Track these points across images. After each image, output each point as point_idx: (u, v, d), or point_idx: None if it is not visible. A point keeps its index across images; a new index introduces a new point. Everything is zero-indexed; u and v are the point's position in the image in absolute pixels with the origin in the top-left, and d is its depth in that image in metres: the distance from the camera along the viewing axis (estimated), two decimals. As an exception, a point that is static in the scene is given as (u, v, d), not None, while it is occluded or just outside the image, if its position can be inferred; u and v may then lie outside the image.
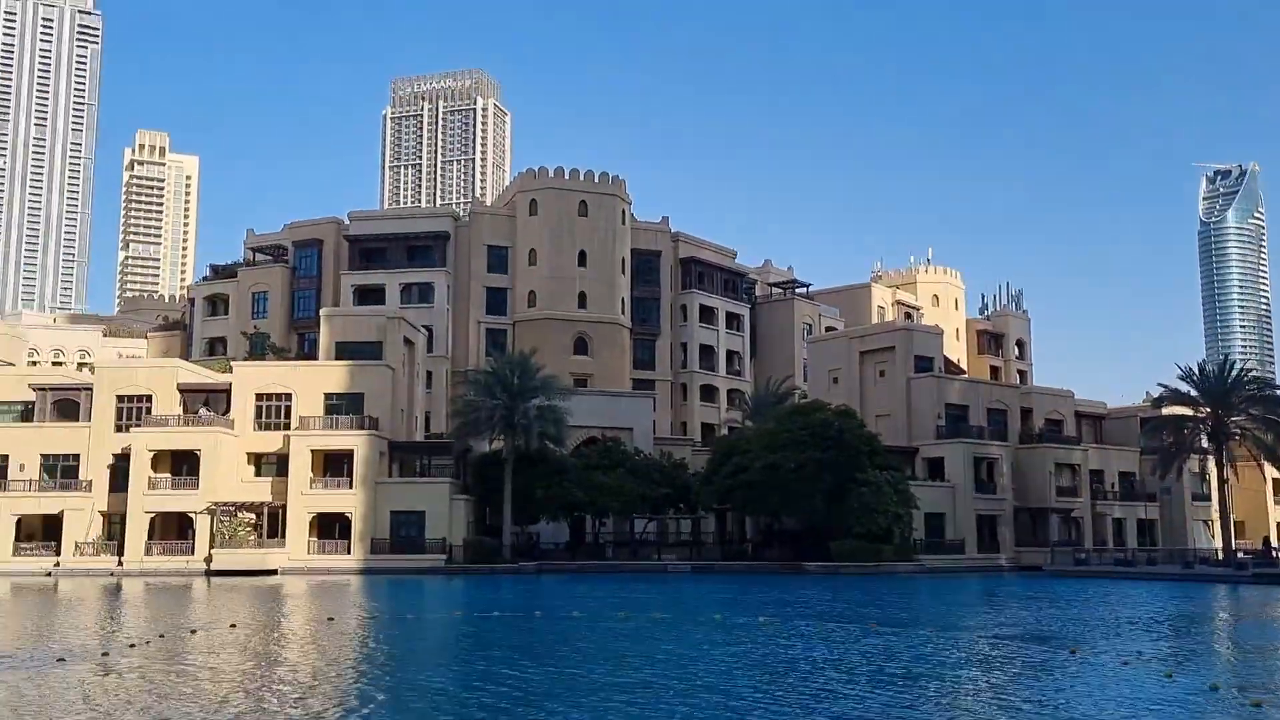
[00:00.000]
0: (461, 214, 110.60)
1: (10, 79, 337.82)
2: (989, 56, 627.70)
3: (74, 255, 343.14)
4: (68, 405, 72.48)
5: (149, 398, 70.85)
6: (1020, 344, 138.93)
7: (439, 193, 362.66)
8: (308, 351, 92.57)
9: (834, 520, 69.86)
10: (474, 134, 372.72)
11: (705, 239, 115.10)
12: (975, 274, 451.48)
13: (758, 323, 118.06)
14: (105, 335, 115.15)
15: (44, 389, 73.06)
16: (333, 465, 70.06)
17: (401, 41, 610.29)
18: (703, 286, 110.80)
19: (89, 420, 70.56)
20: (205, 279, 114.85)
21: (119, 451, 68.94)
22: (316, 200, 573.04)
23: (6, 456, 70.03)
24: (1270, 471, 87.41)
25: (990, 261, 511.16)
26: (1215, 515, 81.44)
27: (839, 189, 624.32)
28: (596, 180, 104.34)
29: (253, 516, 67.77)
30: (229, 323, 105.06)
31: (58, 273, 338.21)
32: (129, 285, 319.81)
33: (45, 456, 70.17)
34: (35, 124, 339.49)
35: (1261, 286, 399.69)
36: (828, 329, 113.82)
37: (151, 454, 68.12)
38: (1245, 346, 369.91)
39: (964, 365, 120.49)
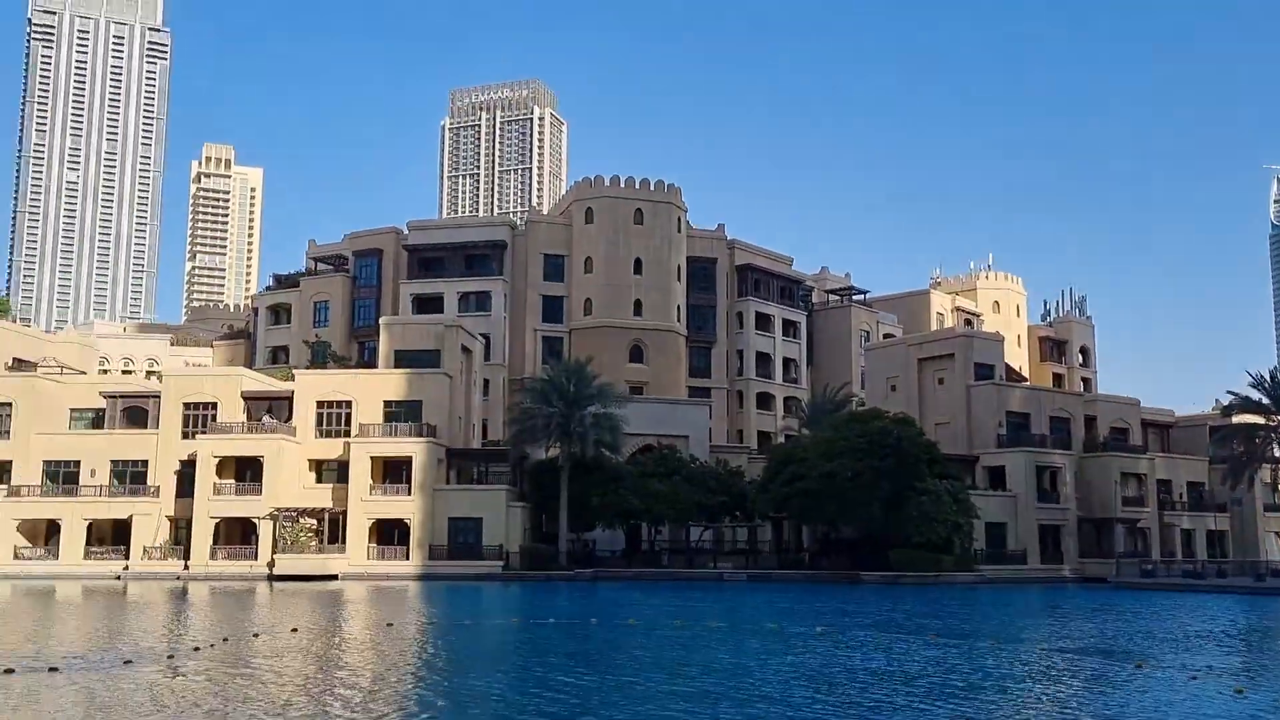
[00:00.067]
0: (518, 223, 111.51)
1: (83, 95, 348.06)
2: (1050, 59, 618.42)
3: (143, 266, 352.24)
4: (137, 413, 74.35)
5: (214, 405, 72.41)
6: (1084, 351, 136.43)
7: (496, 202, 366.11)
8: (368, 360, 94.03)
9: (892, 529, 69.14)
10: (531, 143, 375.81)
11: (761, 246, 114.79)
12: (1037, 280, 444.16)
13: (814, 330, 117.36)
14: (173, 344, 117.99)
15: (114, 397, 75.06)
16: (392, 472, 70.96)
17: (460, 53, 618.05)
18: (759, 294, 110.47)
19: (157, 427, 72.31)
20: (268, 289, 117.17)
21: (185, 458, 70.52)
22: (376, 210, 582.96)
23: (78, 462, 71.99)
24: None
25: (1053, 267, 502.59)
26: (1289, 526, 79.14)
27: (898, 195, 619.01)
28: (652, 188, 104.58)
29: (314, 522, 68.85)
30: (291, 331, 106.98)
31: (128, 283, 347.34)
32: (195, 295, 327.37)
33: (115, 462, 72.02)
34: (107, 138, 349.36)
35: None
36: (886, 336, 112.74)
37: (216, 460, 69.58)
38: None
39: (1026, 373, 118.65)
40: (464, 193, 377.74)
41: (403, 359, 76.26)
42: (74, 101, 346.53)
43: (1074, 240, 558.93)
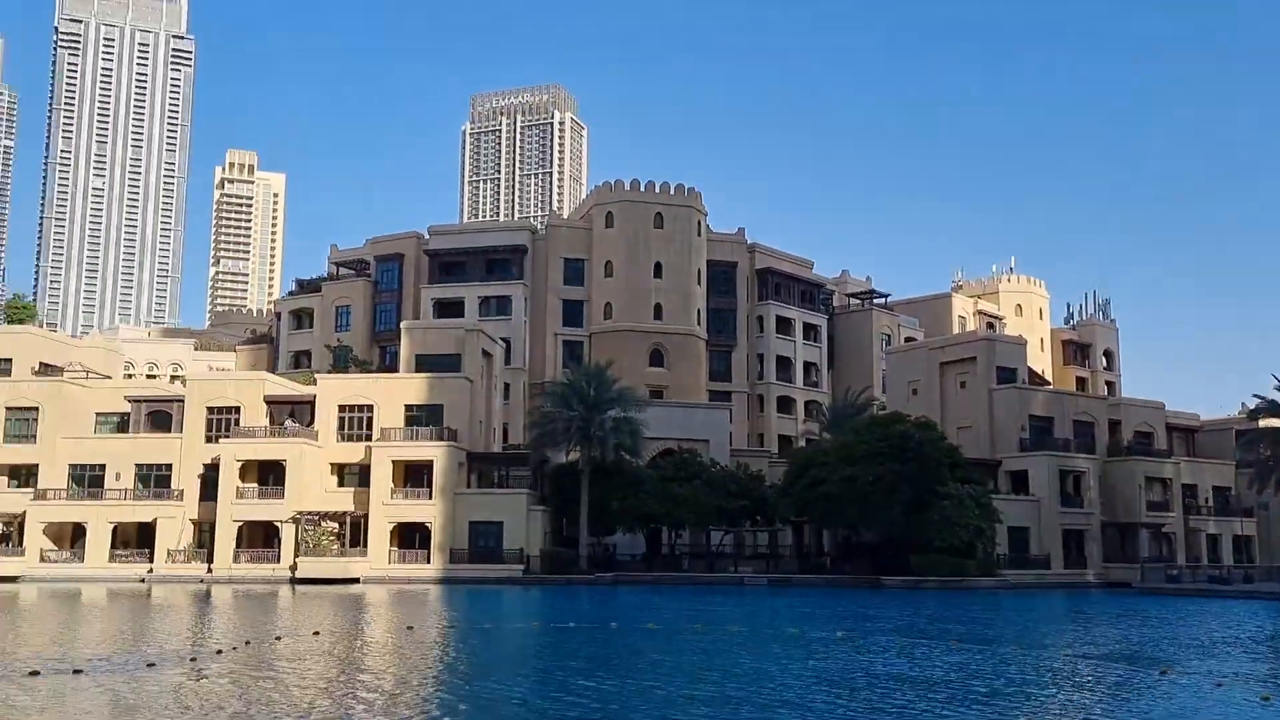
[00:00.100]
0: (539, 227, 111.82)
1: (109, 102, 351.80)
2: (1075, 58, 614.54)
3: (168, 271, 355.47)
4: (161, 417, 74.97)
5: (237, 409, 72.91)
6: (1108, 354, 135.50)
7: (517, 206, 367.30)
8: (389, 364, 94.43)
9: (913, 534, 68.83)
10: (551, 148, 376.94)
11: (782, 249, 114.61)
12: (1060, 283, 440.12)
13: (835, 333, 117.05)
14: (196, 349, 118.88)
15: (139, 401, 75.74)
16: (413, 476, 71.22)
17: (481, 59, 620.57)
18: (779, 297, 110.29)
19: (181, 431, 72.87)
20: (291, 293, 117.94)
21: (209, 461, 71.03)
22: (398, 215, 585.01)
23: (104, 466, 72.64)
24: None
25: (1076, 270, 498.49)
26: (1317, 532, 78.22)
27: (919, 198, 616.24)
28: (672, 192, 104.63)
29: (336, 526, 69.18)
30: (313, 336, 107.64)
31: (152, 288, 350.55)
32: (219, 299, 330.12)
33: (140, 466, 72.64)
34: (132, 145, 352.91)
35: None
36: (907, 340, 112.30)
37: (239, 464, 70.05)
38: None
39: (1049, 376, 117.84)
40: (485, 197, 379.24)
41: (424, 363, 76.56)
42: (99, 108, 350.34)
43: (1098, 243, 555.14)
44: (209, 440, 71.93)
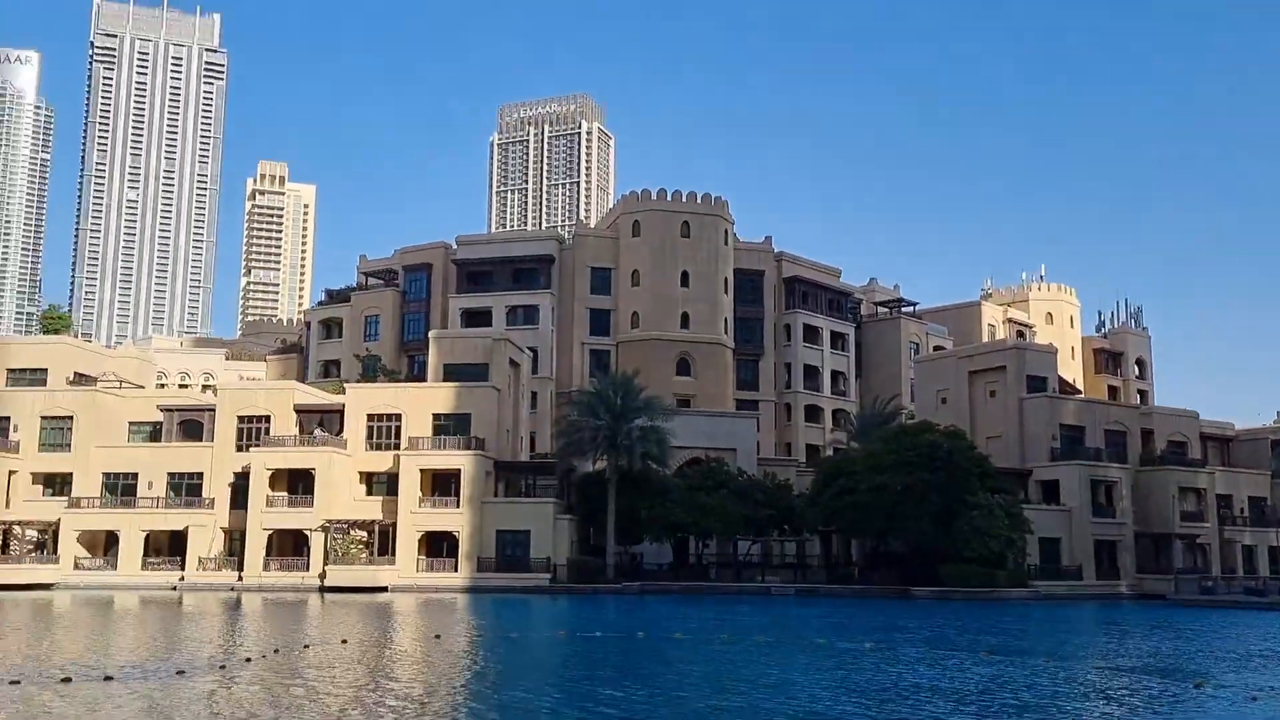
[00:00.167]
0: (566, 237, 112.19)
1: (143, 116, 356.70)
2: (1103, 65, 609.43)
3: (200, 282, 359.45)
4: (192, 426, 75.73)
5: (267, 418, 73.50)
6: (1140, 363, 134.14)
7: (544, 216, 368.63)
8: (417, 373, 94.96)
9: (943, 544, 68.27)
10: (578, 158, 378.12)
11: (809, 258, 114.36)
12: (1091, 291, 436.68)
13: (863, 342, 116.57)
14: (227, 358, 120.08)
15: (171, 410, 76.55)
16: (440, 484, 71.49)
17: (508, 69, 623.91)
18: (806, 306, 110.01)
19: (212, 440, 73.56)
20: (320, 303, 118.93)
21: (239, 470, 71.62)
22: (426, 225, 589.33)
23: (136, 475, 73.43)
24: None
25: (1108, 278, 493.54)
26: (1356, 543, 76.85)
27: (947, 206, 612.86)
28: (699, 201, 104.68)
29: (364, 534, 69.51)
30: (342, 345, 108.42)
31: (185, 299, 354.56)
32: (250, 309, 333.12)
33: (172, 475, 73.35)
34: (165, 158, 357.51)
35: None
36: (936, 348, 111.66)
37: (269, 473, 70.57)
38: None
39: (1080, 385, 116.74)
40: (512, 207, 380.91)
41: (451, 372, 76.90)
42: (134, 122, 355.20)
43: (1130, 250, 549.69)
44: (239, 449, 72.55)
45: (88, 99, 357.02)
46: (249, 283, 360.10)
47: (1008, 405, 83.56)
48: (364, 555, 68.68)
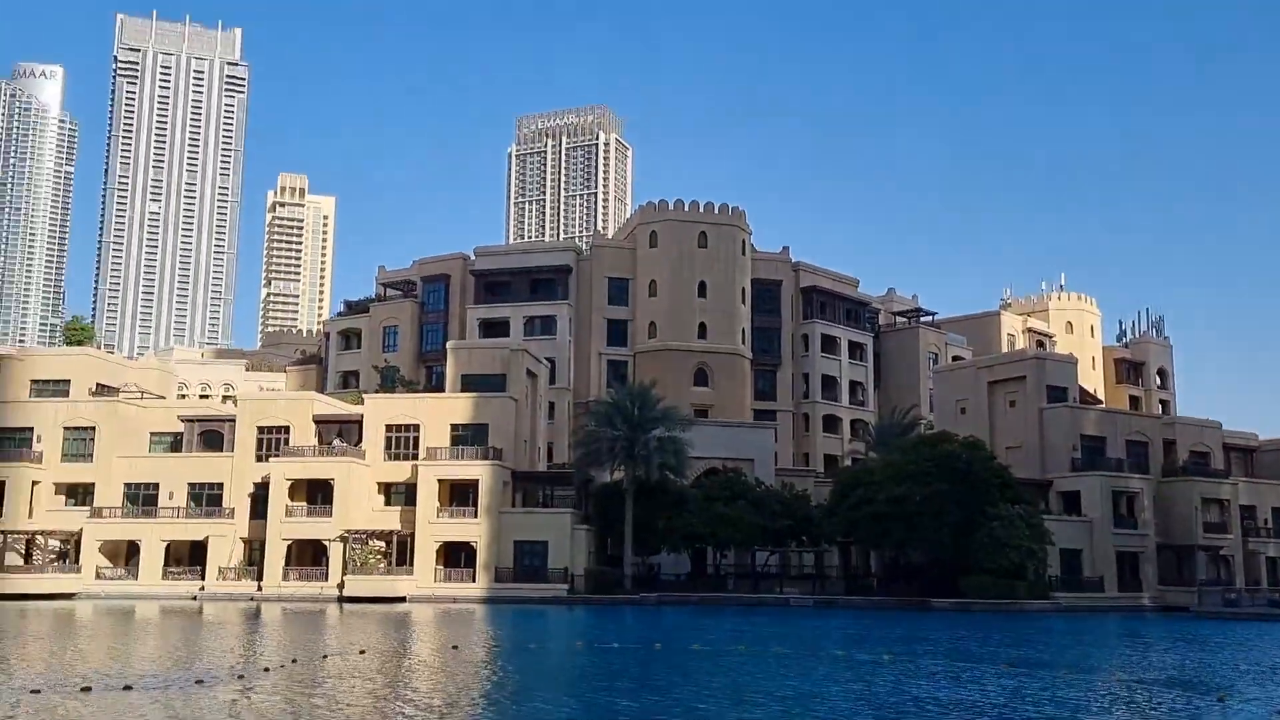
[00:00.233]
0: (583, 248, 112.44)
1: (165, 129, 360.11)
2: (1123, 71, 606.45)
3: (220, 293, 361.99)
4: (213, 436, 76.19)
5: (287, 429, 73.87)
6: (1162, 372, 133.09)
7: (562, 227, 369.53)
8: (435, 384, 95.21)
9: (962, 555, 67.87)
10: (596, 169, 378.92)
11: (827, 268, 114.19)
12: (1112, 300, 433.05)
13: (882, 352, 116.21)
14: (248, 369, 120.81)
15: (191, 421, 77.06)
16: (458, 495, 71.64)
17: (526, 81, 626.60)
18: (824, 316, 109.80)
19: (232, 450, 73.96)
20: (339, 314, 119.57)
21: (259, 480, 71.97)
22: (445, 236, 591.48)
23: (157, 485, 73.91)
24: None
25: (1128, 288, 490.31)
26: (1383, 555, 75.90)
27: (966, 215, 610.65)
28: (716, 211, 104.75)
29: (383, 544, 69.69)
30: (361, 356, 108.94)
31: (206, 310, 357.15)
32: (270, 321, 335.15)
33: (192, 485, 73.78)
34: (187, 170, 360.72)
35: None
36: (955, 358, 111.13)
37: (289, 483, 70.89)
38: None
39: (1101, 395, 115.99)
40: (530, 218, 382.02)
41: (469, 383, 77.10)
42: (156, 135, 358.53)
43: (1151, 259, 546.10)
44: (259, 459, 72.93)
45: (111, 113, 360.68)
46: (269, 294, 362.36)
47: (1028, 415, 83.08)
48: (382, 565, 68.85)
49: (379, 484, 73.36)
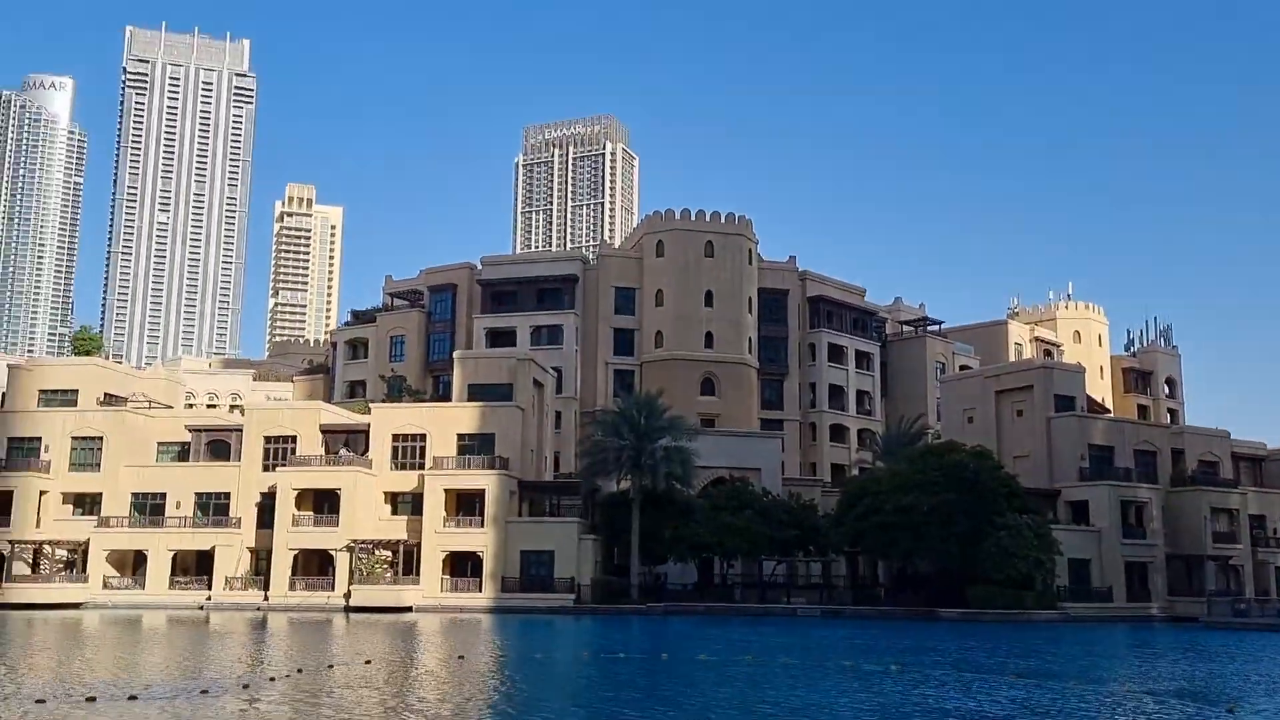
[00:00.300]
0: (590, 257, 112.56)
1: (174, 140, 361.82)
2: (1129, 82, 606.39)
3: (228, 303, 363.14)
4: (220, 446, 76.31)
5: (294, 439, 73.92)
6: (1170, 382, 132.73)
7: (569, 237, 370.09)
8: (442, 393, 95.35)
9: (970, 565, 67.63)
10: (603, 178, 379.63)
11: (834, 277, 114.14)
12: (1120, 309, 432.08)
13: (889, 361, 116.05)
14: (255, 379, 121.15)
15: (199, 430, 77.21)
16: (465, 504, 71.58)
17: (532, 90, 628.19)
18: (831, 325, 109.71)
19: (239, 460, 74.06)
20: (346, 324, 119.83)
21: (266, 490, 72.03)
22: (451, 246, 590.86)
23: (164, 494, 73.99)
24: None
25: (1136, 296, 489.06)
26: (1394, 565, 75.45)
27: (973, 224, 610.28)
28: (723, 221, 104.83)
29: (389, 554, 69.63)
30: (368, 366, 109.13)
31: (214, 320, 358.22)
32: (278, 330, 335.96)
33: (199, 494, 73.86)
34: (195, 181, 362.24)
35: None
36: (962, 367, 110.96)
37: (295, 492, 70.91)
38: None
39: (1109, 404, 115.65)
40: (537, 227, 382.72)
41: (476, 392, 77.12)
42: (165, 146, 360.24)
43: (1159, 268, 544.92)
44: (266, 469, 73.00)
45: (119, 124, 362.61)
46: (276, 304, 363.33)
47: (1035, 425, 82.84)
48: (389, 575, 68.80)
49: (385, 493, 73.36)
